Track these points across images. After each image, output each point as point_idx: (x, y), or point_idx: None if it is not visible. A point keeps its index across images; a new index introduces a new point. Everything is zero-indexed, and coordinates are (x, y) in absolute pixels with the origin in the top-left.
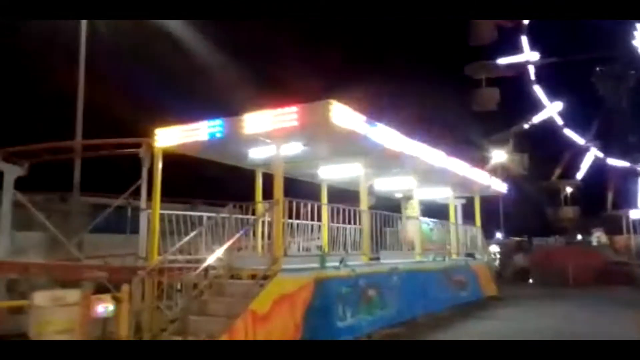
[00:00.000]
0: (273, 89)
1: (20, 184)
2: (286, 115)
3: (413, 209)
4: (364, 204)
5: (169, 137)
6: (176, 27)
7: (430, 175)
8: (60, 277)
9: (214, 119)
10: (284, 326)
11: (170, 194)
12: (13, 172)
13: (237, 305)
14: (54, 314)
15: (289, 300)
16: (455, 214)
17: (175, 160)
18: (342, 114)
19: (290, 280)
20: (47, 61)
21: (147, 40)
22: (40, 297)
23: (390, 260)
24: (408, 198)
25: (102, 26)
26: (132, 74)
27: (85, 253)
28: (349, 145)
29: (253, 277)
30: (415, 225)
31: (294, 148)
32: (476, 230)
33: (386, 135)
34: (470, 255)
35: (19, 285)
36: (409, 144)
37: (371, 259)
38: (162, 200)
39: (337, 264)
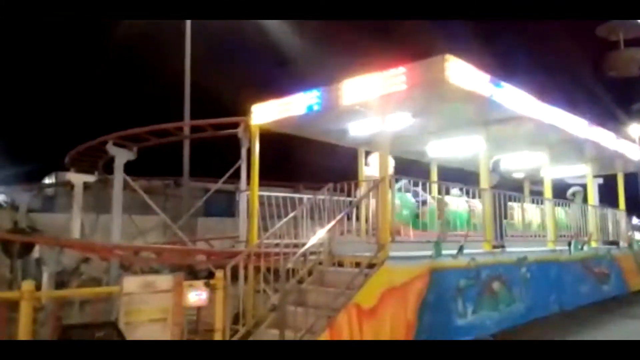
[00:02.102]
0: (379, 49)
1: (138, 170)
2: (392, 79)
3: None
4: (485, 182)
5: (266, 113)
6: None
7: (565, 150)
8: (168, 260)
9: (310, 89)
10: (393, 323)
11: (275, 178)
12: (123, 156)
13: (339, 296)
14: (145, 302)
15: (399, 293)
16: (592, 195)
17: (278, 141)
18: (461, 72)
19: (401, 270)
20: (151, 46)
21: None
22: (130, 283)
23: (517, 249)
24: (531, 178)
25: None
26: (229, 52)
27: (197, 236)
28: (469, 113)
29: (357, 264)
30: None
31: (401, 120)
32: (619, 214)
33: (516, 99)
34: (613, 243)
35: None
36: (544, 110)
37: (495, 247)
38: (266, 184)
39: (453, 252)
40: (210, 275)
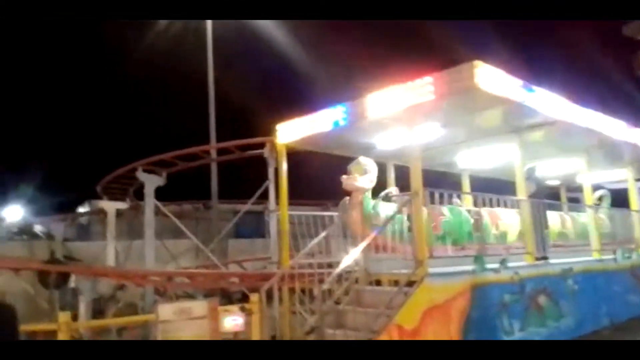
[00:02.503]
0: (402, 60)
1: (168, 195)
2: (419, 89)
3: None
4: (522, 191)
5: (291, 131)
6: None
7: (603, 154)
8: (201, 285)
9: (335, 105)
10: None
11: (302, 196)
12: (153, 182)
13: (379, 317)
14: (181, 328)
15: (441, 312)
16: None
17: (306, 160)
18: (491, 78)
19: (441, 287)
20: (173, 69)
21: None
22: (166, 310)
23: (562, 260)
24: (567, 184)
25: (220, 28)
26: (250, 71)
27: (229, 258)
28: (500, 120)
29: (395, 283)
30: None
31: (430, 131)
32: None
33: (549, 103)
34: None
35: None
36: (580, 113)
37: (538, 259)
38: (293, 203)
39: (495, 265)
40: (245, 297)
